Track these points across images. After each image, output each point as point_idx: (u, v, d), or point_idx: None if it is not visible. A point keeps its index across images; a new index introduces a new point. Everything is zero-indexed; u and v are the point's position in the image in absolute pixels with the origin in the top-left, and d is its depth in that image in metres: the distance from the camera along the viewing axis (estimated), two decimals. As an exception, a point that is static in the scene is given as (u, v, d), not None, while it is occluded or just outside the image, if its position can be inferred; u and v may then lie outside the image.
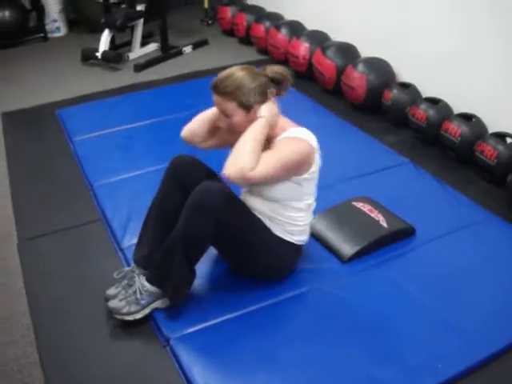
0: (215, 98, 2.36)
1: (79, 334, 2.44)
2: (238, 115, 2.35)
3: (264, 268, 2.58)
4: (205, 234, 2.34)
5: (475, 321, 2.42)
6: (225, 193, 2.37)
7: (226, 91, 2.31)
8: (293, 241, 2.55)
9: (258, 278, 2.62)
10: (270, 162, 2.28)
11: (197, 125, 2.57)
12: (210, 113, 2.52)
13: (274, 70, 2.42)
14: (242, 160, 2.23)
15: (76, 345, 2.39)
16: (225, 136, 2.53)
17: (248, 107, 2.33)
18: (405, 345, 2.32)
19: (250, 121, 2.34)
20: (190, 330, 2.38)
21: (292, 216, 2.49)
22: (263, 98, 2.36)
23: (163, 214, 2.51)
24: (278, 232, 2.51)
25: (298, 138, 2.38)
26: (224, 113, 2.37)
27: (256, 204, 2.51)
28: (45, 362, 2.32)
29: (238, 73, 2.34)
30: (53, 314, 2.54)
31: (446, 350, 2.29)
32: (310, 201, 2.53)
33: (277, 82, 2.42)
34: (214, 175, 2.59)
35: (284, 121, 2.48)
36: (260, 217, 2.49)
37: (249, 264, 2.57)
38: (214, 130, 2.57)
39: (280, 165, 2.30)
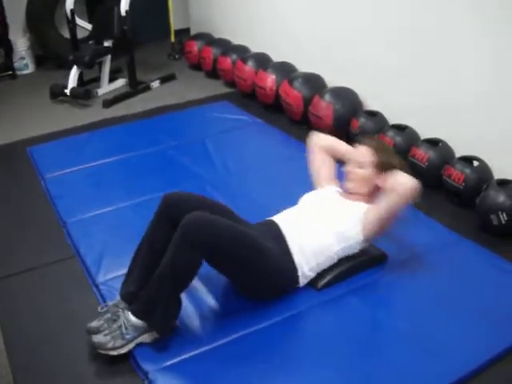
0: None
1: (57, 371, 2.42)
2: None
3: (258, 284, 2.65)
4: (192, 265, 2.38)
5: (449, 343, 2.46)
6: (211, 222, 2.41)
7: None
8: (297, 268, 2.66)
9: (254, 294, 2.70)
10: None
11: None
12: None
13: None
14: None
15: (54, 382, 2.38)
16: None
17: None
18: (380, 369, 2.34)
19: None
20: (169, 362, 2.37)
21: (316, 249, 2.70)
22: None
23: (152, 251, 2.54)
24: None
25: None
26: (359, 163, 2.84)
27: (294, 229, 2.72)
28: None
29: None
30: (30, 353, 2.52)
31: (422, 372, 2.32)
32: (335, 258, 2.77)
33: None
34: (208, 207, 2.59)
35: None
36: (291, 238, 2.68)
37: (251, 284, 2.66)
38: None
39: None
